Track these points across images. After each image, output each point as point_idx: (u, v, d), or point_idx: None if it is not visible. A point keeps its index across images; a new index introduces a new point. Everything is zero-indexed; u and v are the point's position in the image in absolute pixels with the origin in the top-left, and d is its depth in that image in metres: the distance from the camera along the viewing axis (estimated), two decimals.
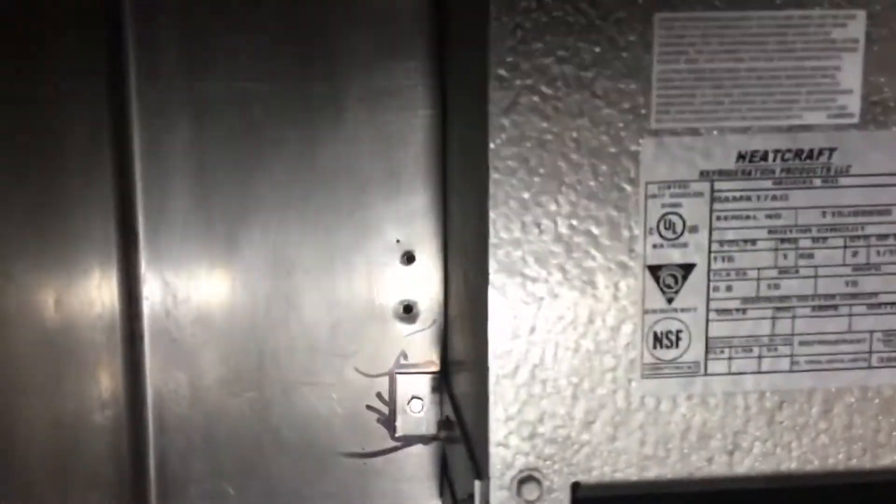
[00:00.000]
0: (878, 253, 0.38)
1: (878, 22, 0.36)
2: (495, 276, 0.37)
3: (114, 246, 0.54)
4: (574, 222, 0.37)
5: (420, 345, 0.56)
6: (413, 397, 0.58)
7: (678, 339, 0.38)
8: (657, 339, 0.38)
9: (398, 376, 0.58)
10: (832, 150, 0.37)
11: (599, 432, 0.38)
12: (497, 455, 0.38)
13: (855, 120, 0.37)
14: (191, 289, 0.54)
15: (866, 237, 0.38)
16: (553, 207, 0.37)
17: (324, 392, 0.57)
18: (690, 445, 0.39)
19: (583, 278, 0.37)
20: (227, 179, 0.53)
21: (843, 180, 0.37)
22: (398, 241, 0.54)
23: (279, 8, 0.52)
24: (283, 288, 0.55)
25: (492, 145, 0.36)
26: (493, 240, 0.37)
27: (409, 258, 0.56)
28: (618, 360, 0.38)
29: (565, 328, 0.37)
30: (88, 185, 0.53)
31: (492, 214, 0.36)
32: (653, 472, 0.39)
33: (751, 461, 0.39)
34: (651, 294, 0.38)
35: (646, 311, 0.38)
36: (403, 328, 0.56)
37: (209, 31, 0.52)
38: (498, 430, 0.37)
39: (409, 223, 0.55)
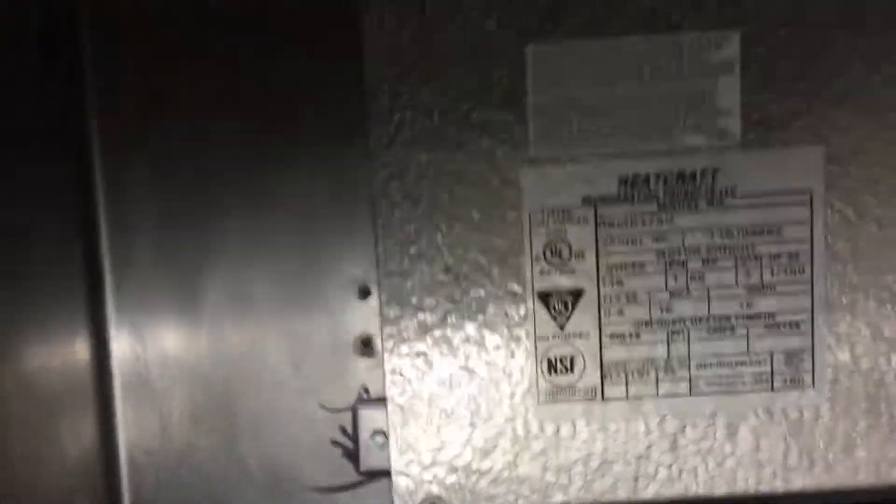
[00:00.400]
0: (773, 273, 0.38)
1: (753, 42, 0.37)
2: (387, 308, 0.38)
3: (83, 297, 0.57)
4: (460, 252, 0.38)
5: (380, 378, 0.57)
6: (375, 431, 0.59)
7: (573, 364, 0.38)
8: (552, 366, 0.38)
9: (360, 410, 0.59)
10: (715, 171, 0.37)
11: (500, 460, 0.38)
12: (399, 484, 0.38)
13: (736, 140, 0.37)
14: (158, 334, 0.57)
15: (758, 257, 0.38)
16: (439, 238, 0.38)
17: (289, 427, 0.58)
18: (593, 471, 0.39)
19: (472, 307, 0.38)
20: (189, 227, 0.55)
21: (730, 201, 0.38)
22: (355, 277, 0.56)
23: (236, 55, 0.54)
24: (246, 328, 0.57)
25: (375, 178, 0.37)
26: (382, 271, 0.38)
27: (364, 293, 0.57)
28: (514, 388, 0.38)
29: (459, 357, 0.38)
30: (54, 243, 0.55)
31: (379, 247, 0.37)
32: (557, 499, 0.39)
33: (656, 486, 0.39)
34: (542, 320, 0.38)
35: (538, 338, 0.38)
36: (363, 362, 0.57)
37: (168, 74, 0.54)
38: (398, 459, 0.38)
39: (363, 259, 0.56)
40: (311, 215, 0.55)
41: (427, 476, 0.38)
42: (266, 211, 0.56)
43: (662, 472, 0.39)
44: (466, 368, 0.38)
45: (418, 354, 0.38)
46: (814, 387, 0.38)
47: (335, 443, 0.59)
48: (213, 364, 0.58)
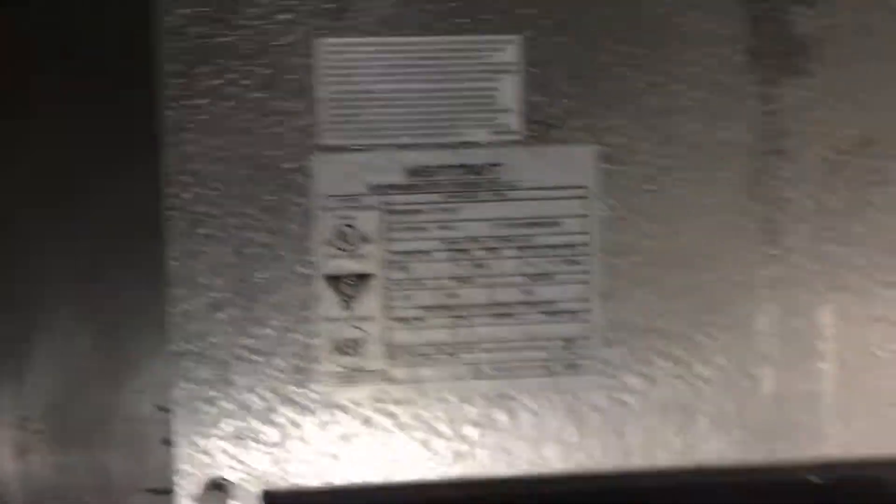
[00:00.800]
0: (551, 263, 0.40)
1: (534, 46, 0.39)
2: (176, 290, 0.39)
3: None
4: (250, 234, 0.39)
5: None
6: None
7: (358, 346, 0.40)
8: (337, 347, 0.40)
9: None
10: (498, 166, 0.39)
11: (286, 439, 0.39)
12: (179, 460, 0.39)
13: (517, 137, 0.39)
14: None
15: (537, 248, 0.40)
16: (230, 221, 0.39)
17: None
18: (380, 452, 0.40)
19: (261, 287, 0.39)
20: None
21: (511, 194, 0.40)
22: None
23: None
24: None
25: (169, 160, 0.38)
26: (169, 252, 0.39)
27: None
28: (298, 368, 0.39)
29: (242, 335, 0.39)
30: None
31: (168, 227, 0.38)
32: (339, 479, 0.40)
33: (440, 468, 0.40)
34: (330, 303, 0.39)
35: (325, 320, 0.39)
36: None
37: None
38: (180, 435, 0.39)
39: None
40: None
41: (208, 453, 0.39)
42: None
43: (447, 454, 0.40)
44: (250, 347, 0.39)
45: (203, 333, 0.39)
46: (590, 373, 0.40)
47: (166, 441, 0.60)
48: None
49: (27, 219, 0.47)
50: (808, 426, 0.41)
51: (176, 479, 0.39)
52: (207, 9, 0.38)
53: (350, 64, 0.39)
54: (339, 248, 0.39)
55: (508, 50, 0.39)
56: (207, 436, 0.39)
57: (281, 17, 0.38)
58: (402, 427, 0.40)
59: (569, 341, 0.40)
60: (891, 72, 0.40)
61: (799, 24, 0.40)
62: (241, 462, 0.39)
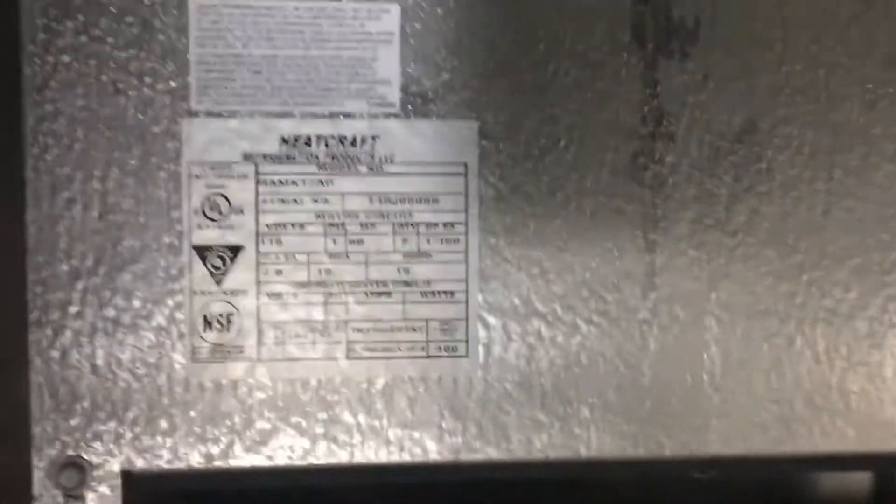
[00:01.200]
0: (429, 241, 0.39)
1: (412, 16, 0.38)
2: (35, 257, 0.37)
3: None
4: (114, 200, 0.37)
5: None
6: None
7: (229, 322, 0.38)
8: (207, 322, 0.38)
9: None
10: (375, 138, 0.38)
11: (149, 417, 0.38)
12: (36, 439, 0.37)
13: (395, 109, 0.38)
14: None
15: (415, 224, 0.39)
16: (93, 185, 0.37)
17: None
18: (247, 433, 0.38)
19: (125, 256, 0.37)
20: None
21: (389, 168, 0.39)
22: None
23: None
24: None
25: (29, 120, 0.37)
26: (29, 216, 0.37)
27: None
28: (164, 342, 0.38)
29: (104, 307, 0.37)
30: None
31: (29, 189, 0.37)
32: (214, 461, 0.38)
33: (314, 452, 0.39)
34: (199, 276, 0.38)
35: (194, 293, 0.38)
36: None
37: None
38: (37, 412, 0.37)
39: None
40: None
41: (64, 430, 0.37)
42: None
43: (319, 438, 0.39)
44: (113, 320, 0.37)
45: (63, 304, 0.37)
46: (468, 356, 0.39)
47: None
48: None
49: None
50: (690, 420, 0.40)
51: (34, 459, 0.37)
52: None
53: (224, 25, 0.38)
54: (209, 218, 0.38)
55: (386, 19, 0.38)
56: (65, 413, 0.37)
57: None
58: (270, 408, 0.38)
59: (446, 323, 0.39)
60: (773, 57, 0.40)
61: (680, 4, 0.39)
62: (100, 441, 0.37)
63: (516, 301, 0.39)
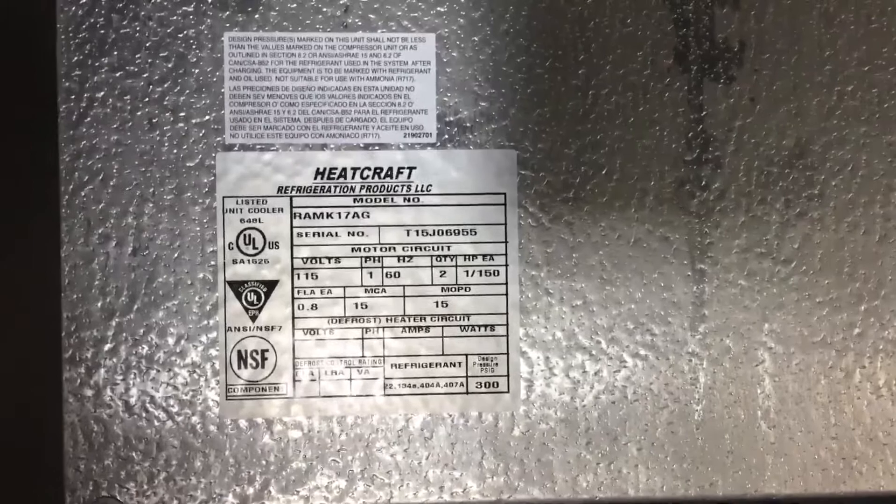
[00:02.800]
0: (467, 273, 0.38)
1: (448, 45, 0.38)
2: (68, 291, 0.37)
3: None
4: (149, 236, 0.37)
5: None
6: None
7: (264, 358, 0.37)
8: (242, 359, 0.37)
9: None
10: (412, 169, 0.38)
11: (181, 457, 0.37)
12: (69, 480, 0.36)
13: (432, 139, 0.38)
14: None
15: (453, 257, 0.38)
16: (128, 221, 0.37)
17: None
18: (282, 472, 0.37)
19: (160, 293, 0.37)
20: None
21: (426, 199, 0.38)
22: None
23: None
24: None
25: (65, 157, 0.37)
26: (64, 252, 0.37)
27: None
28: (198, 380, 0.37)
29: (138, 344, 0.37)
30: None
31: (64, 225, 0.37)
32: (250, 502, 0.37)
33: (350, 491, 0.37)
34: (234, 312, 0.37)
35: (228, 329, 0.37)
36: None
37: None
38: (70, 451, 0.36)
39: None
40: None
41: (98, 471, 0.36)
42: None
43: (357, 478, 0.37)
44: (148, 359, 0.37)
45: (99, 341, 0.36)
46: (509, 391, 0.38)
47: None
48: None
49: None
50: (744, 459, 0.38)
51: (68, 499, 0.37)
52: None
53: (258, 58, 0.37)
54: (244, 253, 0.37)
55: (422, 48, 0.38)
56: (99, 453, 0.36)
57: (185, 8, 0.37)
58: (306, 447, 0.37)
59: (486, 358, 0.38)
60: (823, 78, 0.38)
61: (724, 27, 0.38)
62: (134, 481, 0.37)
63: (559, 334, 0.38)
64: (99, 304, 0.37)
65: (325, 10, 0.37)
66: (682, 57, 0.38)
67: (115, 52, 0.37)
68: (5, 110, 0.44)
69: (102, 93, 0.37)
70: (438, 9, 0.37)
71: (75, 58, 0.36)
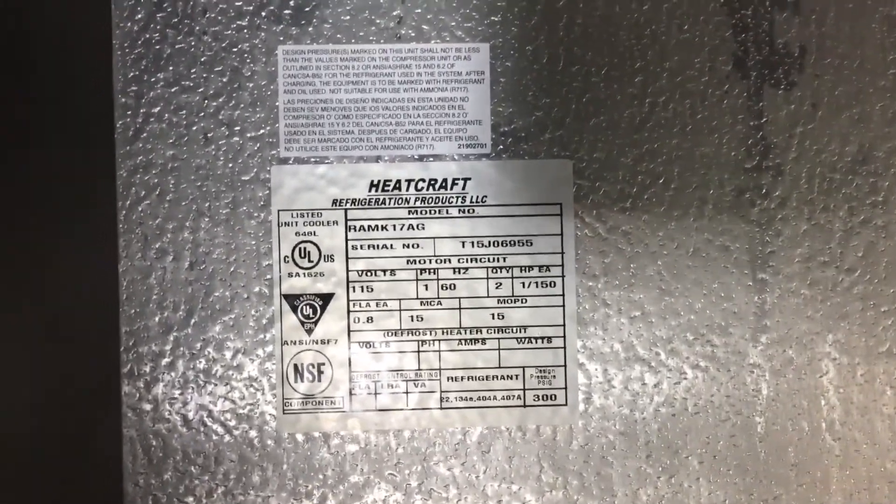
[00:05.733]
0: (524, 285, 0.38)
1: (502, 55, 0.37)
2: (126, 306, 0.37)
3: None
4: (205, 250, 0.37)
5: None
6: None
7: (320, 372, 0.37)
8: (298, 373, 0.37)
9: None
10: (466, 180, 0.37)
11: (239, 471, 0.37)
12: (129, 495, 0.37)
13: (486, 150, 0.37)
14: None
15: (509, 268, 0.37)
16: (185, 235, 0.37)
17: None
18: (339, 486, 0.37)
19: (216, 307, 0.37)
20: None
21: (480, 210, 0.37)
22: None
23: None
24: None
25: (122, 172, 0.37)
26: (122, 267, 0.37)
27: None
28: (256, 394, 0.37)
29: (199, 360, 0.37)
30: None
31: (121, 241, 0.37)
32: None
33: (407, 502, 0.37)
34: (290, 325, 0.37)
35: (285, 343, 0.37)
36: None
37: None
38: (129, 467, 0.36)
39: None
40: None
41: (156, 485, 0.36)
42: None
43: (414, 492, 0.37)
44: (206, 374, 0.37)
45: (157, 356, 0.37)
46: (567, 404, 0.37)
47: None
48: None
49: None
50: (809, 472, 0.37)
51: None
52: (163, 15, 0.37)
53: (312, 71, 0.37)
54: (300, 266, 0.37)
55: (476, 58, 0.37)
56: (157, 468, 0.37)
57: (239, 22, 0.37)
58: (363, 460, 0.37)
59: (543, 370, 0.37)
60: (887, 83, 0.38)
61: (784, 32, 0.37)
62: (193, 496, 0.37)
63: (617, 346, 0.37)
64: (157, 319, 0.37)
65: (378, 21, 0.37)
66: (741, 63, 0.37)
67: (171, 68, 0.37)
68: (62, 126, 0.45)
69: (158, 108, 0.37)
70: (492, 18, 0.37)
71: (131, 73, 0.37)
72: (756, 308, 0.37)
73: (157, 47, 0.37)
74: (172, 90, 0.37)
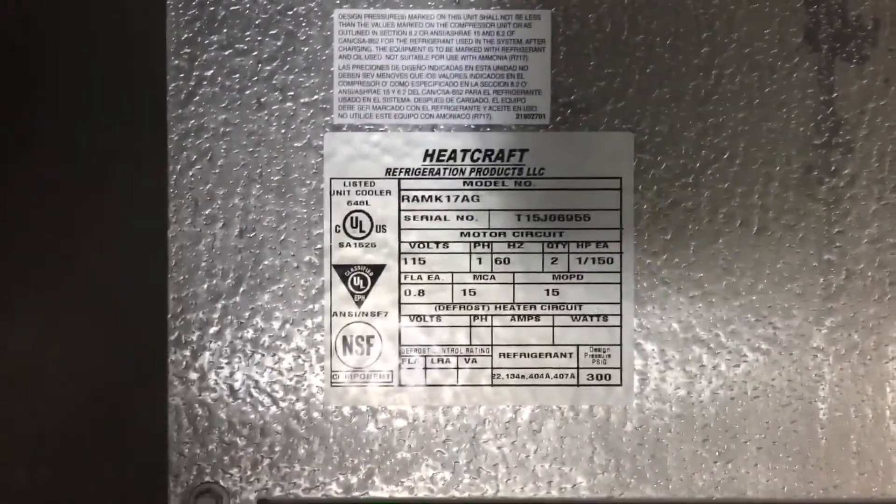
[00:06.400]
0: (580, 261, 0.36)
1: (564, 23, 0.36)
2: (175, 273, 0.36)
3: None
4: (256, 217, 0.36)
5: None
6: None
7: (370, 345, 0.36)
8: (347, 345, 0.36)
9: None
10: (524, 152, 0.36)
11: (285, 443, 0.36)
12: (173, 465, 0.36)
13: (545, 121, 0.36)
14: None
15: (565, 243, 0.36)
16: (235, 202, 0.36)
17: None
18: (385, 462, 0.36)
19: (266, 275, 0.36)
20: None
21: (537, 182, 0.36)
22: None
23: None
24: None
25: (173, 136, 0.36)
26: (171, 233, 0.36)
27: None
28: (303, 365, 0.36)
29: (247, 329, 0.36)
30: None
31: (171, 206, 0.36)
32: (353, 491, 0.36)
33: (454, 484, 0.36)
34: (339, 296, 0.36)
35: (334, 314, 0.36)
36: None
37: None
38: (174, 436, 0.36)
39: None
40: None
41: (202, 456, 0.36)
42: None
43: (462, 470, 0.36)
44: (254, 343, 0.36)
45: (205, 325, 0.36)
46: (621, 384, 0.36)
47: None
48: None
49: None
50: (872, 460, 0.36)
51: (171, 485, 0.36)
52: None
53: (368, 36, 0.36)
54: (351, 236, 0.36)
55: (537, 26, 0.36)
56: (202, 438, 0.36)
57: None
58: (411, 436, 0.36)
59: (598, 349, 0.36)
60: None
61: (857, 4, 0.36)
62: (237, 467, 0.36)
63: (675, 326, 0.36)
64: (205, 287, 0.36)
65: None
66: (812, 35, 0.36)
67: (225, 30, 0.36)
68: (114, 91, 0.44)
69: (211, 71, 0.36)
70: None
71: (185, 35, 0.36)
72: (821, 290, 0.36)
73: (212, 9, 0.36)
74: (226, 53, 0.36)
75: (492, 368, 0.36)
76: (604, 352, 0.36)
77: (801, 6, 0.36)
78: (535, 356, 0.37)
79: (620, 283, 0.36)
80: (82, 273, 0.44)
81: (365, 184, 0.36)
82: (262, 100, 0.36)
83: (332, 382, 0.36)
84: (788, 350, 0.36)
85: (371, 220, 0.36)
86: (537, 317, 0.37)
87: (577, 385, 0.37)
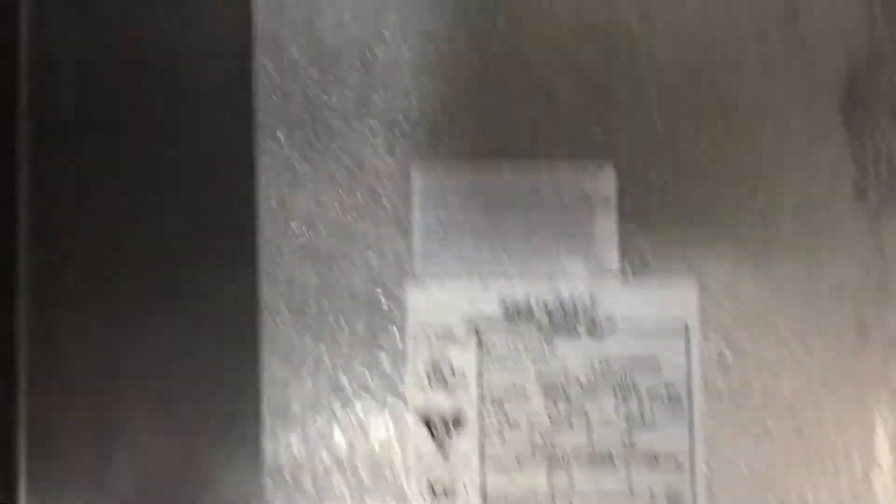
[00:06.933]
0: (651, 406, 0.38)
1: (628, 176, 0.38)
2: (268, 419, 0.37)
3: None
4: (344, 365, 0.37)
5: None
6: None
7: (454, 491, 0.37)
8: (432, 491, 0.37)
9: None
10: (594, 301, 0.38)
11: None
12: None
13: (614, 270, 0.38)
14: None
15: (637, 390, 0.38)
16: (323, 349, 0.37)
17: None
18: None
19: (353, 423, 0.37)
20: None
21: (609, 330, 0.38)
22: None
23: None
24: None
25: (263, 289, 0.37)
26: (264, 382, 0.37)
27: None
28: None
29: (337, 473, 0.36)
30: None
31: (263, 357, 0.37)
32: None
33: None
34: (422, 442, 0.37)
35: (417, 459, 0.37)
36: None
37: None
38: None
39: None
40: None
41: None
42: None
43: None
44: (343, 492, 0.36)
45: (298, 467, 0.36)
46: None
47: None
48: None
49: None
50: None
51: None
52: (300, 133, 0.38)
53: (444, 191, 0.38)
54: (432, 384, 0.37)
55: (602, 179, 0.38)
56: None
57: (374, 140, 0.38)
58: None
59: (672, 492, 0.37)
60: None
61: None
62: None
63: (744, 469, 0.37)
64: (296, 434, 0.36)
65: (506, 140, 0.38)
66: (862, 183, 0.39)
67: (308, 186, 0.38)
68: None
69: (298, 225, 0.37)
70: (615, 140, 0.38)
71: (273, 192, 0.37)
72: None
73: (296, 166, 0.38)
74: (310, 208, 0.37)
75: None
76: (678, 496, 0.37)
77: (851, 156, 0.39)
78: (612, 501, 0.37)
79: (691, 429, 0.38)
80: None
81: (445, 332, 0.37)
82: (346, 252, 0.37)
83: None
84: None
85: (452, 368, 0.37)
86: (613, 462, 0.38)
87: None
